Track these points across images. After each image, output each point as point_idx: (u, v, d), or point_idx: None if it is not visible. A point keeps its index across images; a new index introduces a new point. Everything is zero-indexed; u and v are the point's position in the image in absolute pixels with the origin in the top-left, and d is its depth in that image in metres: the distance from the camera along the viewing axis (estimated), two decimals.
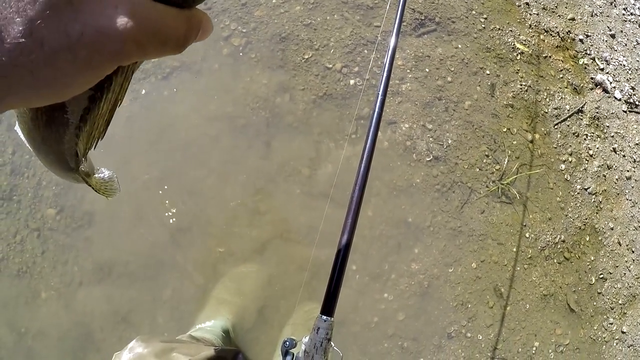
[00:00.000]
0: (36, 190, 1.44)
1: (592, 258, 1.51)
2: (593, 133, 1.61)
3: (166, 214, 1.38)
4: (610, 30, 1.76)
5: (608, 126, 1.64)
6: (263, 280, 1.33)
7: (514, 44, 1.57)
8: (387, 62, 0.72)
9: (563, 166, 1.54)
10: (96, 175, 0.35)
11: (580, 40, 1.69)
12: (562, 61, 1.63)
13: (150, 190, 1.40)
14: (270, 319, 1.32)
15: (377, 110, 0.68)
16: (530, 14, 1.65)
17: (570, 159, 1.56)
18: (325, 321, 0.56)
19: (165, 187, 1.39)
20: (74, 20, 0.18)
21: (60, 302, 1.37)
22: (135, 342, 0.79)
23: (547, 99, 1.58)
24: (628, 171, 1.62)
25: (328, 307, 0.57)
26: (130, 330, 1.33)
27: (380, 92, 0.69)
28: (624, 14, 1.82)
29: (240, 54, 1.46)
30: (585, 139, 1.60)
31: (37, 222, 1.43)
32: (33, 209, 1.44)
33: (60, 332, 1.34)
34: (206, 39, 0.25)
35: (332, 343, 0.57)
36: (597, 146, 1.60)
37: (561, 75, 1.62)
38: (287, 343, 0.59)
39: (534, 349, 1.41)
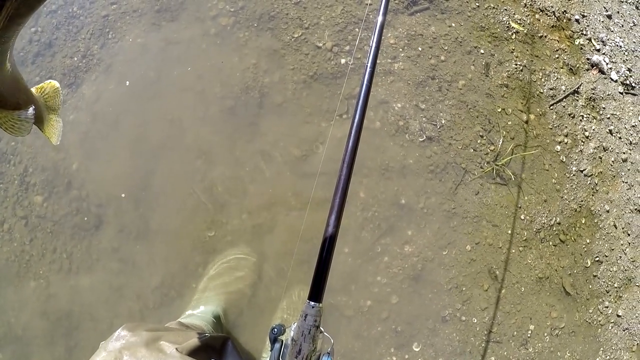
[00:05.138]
0: (22, 177, 1.41)
1: (588, 241, 1.49)
2: (589, 114, 1.59)
3: (154, 200, 1.35)
4: (606, 10, 1.73)
5: (604, 108, 1.62)
6: (254, 264, 1.31)
7: (509, 23, 1.54)
8: (376, 33, 0.69)
9: (559, 147, 1.52)
10: (17, 113, 0.33)
11: (577, 20, 1.66)
12: (558, 41, 1.60)
13: (133, 174, 1.37)
14: (261, 303, 1.30)
15: (365, 83, 0.65)
16: None
17: (565, 140, 1.53)
18: (313, 307, 0.54)
19: (150, 169, 1.37)
20: None
21: (49, 290, 1.35)
22: (121, 331, 0.76)
23: (543, 79, 1.55)
24: (624, 153, 1.60)
25: (316, 293, 0.54)
26: (120, 318, 1.31)
27: (369, 65, 0.67)
28: None
29: (228, 33, 1.42)
30: (581, 120, 1.57)
31: (25, 210, 1.40)
32: (20, 197, 1.41)
33: (49, 321, 1.32)
34: None
35: (322, 329, 0.54)
36: (593, 128, 1.58)
37: (557, 56, 1.59)
38: (276, 330, 0.57)
39: (529, 332, 1.39)
